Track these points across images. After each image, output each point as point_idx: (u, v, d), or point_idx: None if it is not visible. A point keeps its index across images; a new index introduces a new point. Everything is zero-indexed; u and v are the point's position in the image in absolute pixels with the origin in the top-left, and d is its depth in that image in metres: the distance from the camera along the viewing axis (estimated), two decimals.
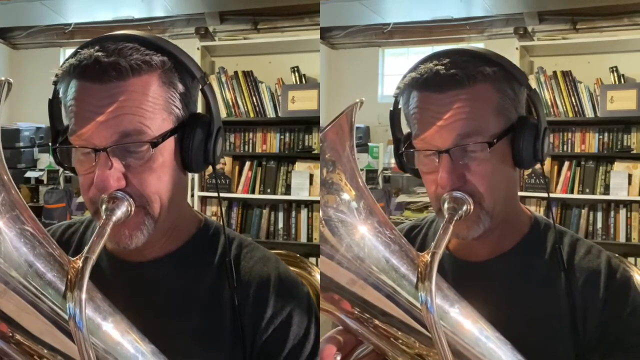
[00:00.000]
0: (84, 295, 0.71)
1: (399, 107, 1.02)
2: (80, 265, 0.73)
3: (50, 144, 1.00)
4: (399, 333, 0.80)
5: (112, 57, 0.87)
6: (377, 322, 0.80)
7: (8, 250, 0.72)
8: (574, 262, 1.01)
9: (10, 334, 0.75)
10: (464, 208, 0.90)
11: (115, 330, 0.80)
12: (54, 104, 0.95)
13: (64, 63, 0.90)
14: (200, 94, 0.97)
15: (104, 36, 0.91)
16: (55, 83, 0.93)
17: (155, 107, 0.89)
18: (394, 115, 1.04)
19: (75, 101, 0.88)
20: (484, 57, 0.96)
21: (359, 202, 0.78)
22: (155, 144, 0.89)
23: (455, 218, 0.87)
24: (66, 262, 0.76)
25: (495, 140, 0.94)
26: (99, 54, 0.87)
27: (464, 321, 0.82)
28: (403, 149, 1.01)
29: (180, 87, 0.93)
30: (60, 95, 0.93)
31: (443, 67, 0.93)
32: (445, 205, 0.90)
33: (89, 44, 0.90)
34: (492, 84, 0.95)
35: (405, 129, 1.03)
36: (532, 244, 1.04)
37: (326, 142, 0.78)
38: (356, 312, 0.80)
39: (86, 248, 0.76)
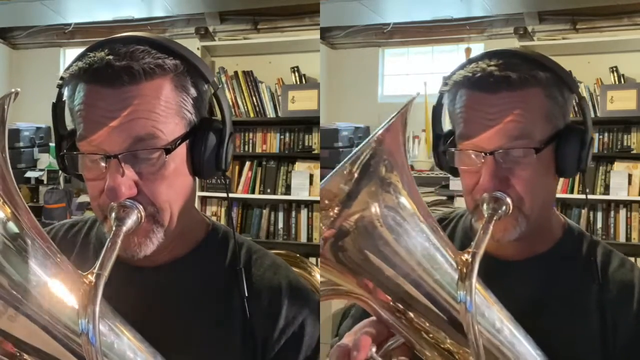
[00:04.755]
0: (97, 311, 0.69)
1: (442, 103, 1.01)
2: (93, 281, 0.72)
3: (50, 144, 0.98)
4: (431, 327, 0.80)
5: (124, 61, 0.84)
6: (411, 315, 0.80)
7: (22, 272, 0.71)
8: (607, 274, 1.00)
9: (18, 354, 0.74)
10: (504, 208, 0.89)
11: (128, 348, 0.79)
12: (58, 108, 0.92)
13: (70, 66, 0.87)
14: (212, 98, 0.95)
15: (112, 38, 0.88)
16: (60, 86, 0.89)
17: (168, 111, 0.87)
18: (437, 112, 1.02)
19: (85, 105, 0.85)
20: (537, 61, 0.95)
21: (412, 203, 0.79)
22: (168, 150, 0.86)
23: (494, 218, 0.87)
24: (77, 278, 0.74)
25: (543, 147, 0.92)
26: (110, 57, 0.84)
27: (500, 323, 0.83)
28: (444, 147, 1.00)
29: (193, 91, 0.90)
30: (65, 98, 0.90)
31: (496, 67, 0.91)
32: (485, 206, 0.89)
33: (97, 46, 0.87)
34: (544, 89, 0.94)
35: (446, 128, 1.03)
36: (564, 250, 1.03)
37: (384, 144, 0.77)
38: (391, 303, 0.80)
39: (98, 262, 0.74)
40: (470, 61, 0.95)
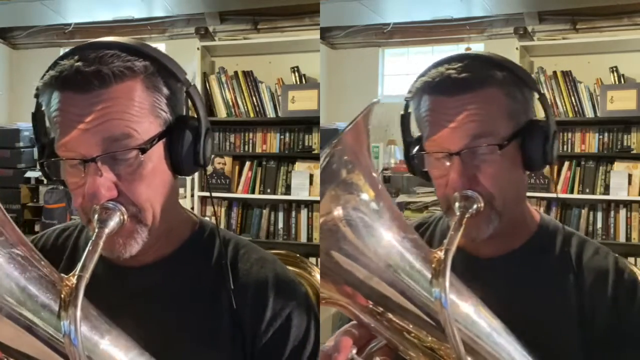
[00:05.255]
0: (78, 312, 0.70)
1: (409, 111, 1.04)
2: (74, 283, 0.73)
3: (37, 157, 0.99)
4: (412, 327, 0.81)
5: (93, 66, 0.86)
6: (390, 316, 0.81)
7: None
8: (582, 263, 1.03)
9: (5, 359, 0.74)
10: (475, 206, 0.92)
11: (113, 348, 0.80)
12: (38, 117, 0.93)
13: (44, 75, 0.89)
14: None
15: (84, 45, 0.90)
16: (37, 96, 0.91)
17: (142, 111, 0.89)
18: (405, 119, 1.06)
19: (60, 112, 0.87)
20: (495, 61, 0.98)
21: (378, 202, 0.80)
22: (144, 149, 0.88)
23: (466, 216, 0.89)
24: (57, 279, 0.76)
25: (505, 143, 0.95)
26: (79, 63, 0.86)
27: (477, 316, 0.84)
28: (414, 152, 1.03)
29: (165, 90, 0.92)
30: (44, 107, 0.92)
31: (454, 71, 0.95)
32: (457, 204, 0.92)
33: (68, 54, 0.89)
34: (502, 88, 0.97)
35: (414, 134, 1.05)
36: (540, 243, 1.06)
37: (344, 145, 0.79)
38: (370, 306, 0.81)
39: (79, 265, 0.75)
40: (431, 67, 0.99)
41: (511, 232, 1.03)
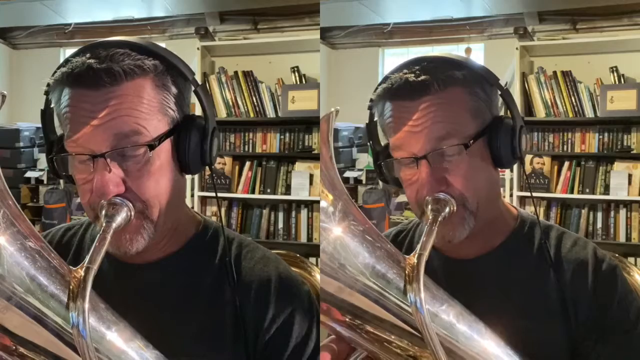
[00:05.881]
0: (86, 304, 0.71)
1: (375, 119, 1.04)
2: (83, 275, 0.74)
3: (45, 153, 1.00)
4: (392, 337, 0.81)
5: (105, 64, 0.88)
6: (368, 327, 0.80)
7: (10, 266, 0.72)
8: (561, 255, 1.03)
9: (14, 347, 0.75)
10: (447, 209, 0.92)
11: (119, 339, 0.80)
12: (47, 114, 0.95)
13: (55, 72, 0.90)
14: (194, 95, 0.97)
15: (95, 43, 0.92)
16: (47, 93, 0.93)
17: (151, 109, 0.90)
18: (371, 128, 1.05)
19: (70, 108, 0.89)
20: (453, 61, 0.98)
21: (336, 207, 0.80)
22: (152, 146, 0.89)
23: (439, 219, 0.89)
24: (67, 272, 0.76)
25: (470, 142, 0.95)
26: (91, 61, 0.87)
27: (455, 319, 0.83)
28: (380, 161, 1.03)
29: (174, 89, 0.94)
30: (53, 104, 0.93)
31: (413, 74, 0.95)
32: (429, 207, 0.91)
33: (79, 51, 0.91)
34: (463, 87, 0.97)
35: (383, 141, 1.05)
36: (519, 239, 1.06)
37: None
38: (347, 320, 0.80)
39: (87, 257, 0.76)
40: (390, 73, 0.98)
41: (489, 230, 1.03)
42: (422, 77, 0.94)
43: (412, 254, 0.79)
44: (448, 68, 0.96)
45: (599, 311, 0.99)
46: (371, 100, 1.01)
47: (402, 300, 0.78)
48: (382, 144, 1.05)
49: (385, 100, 0.99)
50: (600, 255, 1.04)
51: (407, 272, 0.77)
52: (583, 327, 0.99)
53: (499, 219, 1.06)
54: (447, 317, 0.82)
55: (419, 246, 0.80)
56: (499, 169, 1.04)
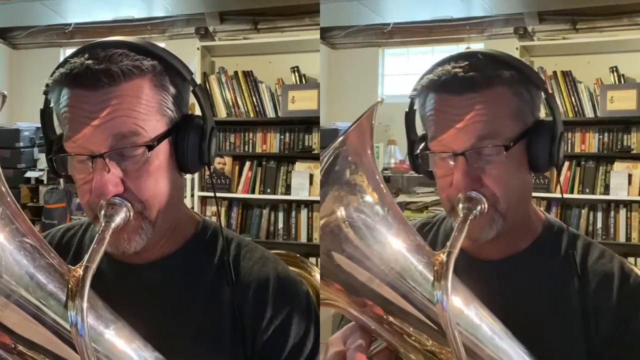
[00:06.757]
0: (85, 303, 0.71)
1: (414, 108, 1.02)
2: (81, 274, 0.74)
3: (45, 153, 1.00)
4: (412, 330, 0.80)
5: (103, 64, 0.88)
6: (391, 319, 0.80)
7: (9, 264, 0.72)
8: (587, 265, 1.02)
9: (13, 345, 0.75)
10: (479, 208, 0.90)
11: (118, 338, 0.80)
12: (46, 114, 0.95)
13: (54, 72, 0.90)
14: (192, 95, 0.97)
15: (93, 44, 0.92)
16: (46, 93, 0.93)
17: (149, 109, 0.90)
18: (409, 117, 1.04)
19: (69, 108, 0.89)
20: (502, 60, 0.96)
21: (381, 204, 0.79)
22: (150, 146, 0.89)
23: (470, 217, 0.88)
24: (66, 271, 0.76)
25: (511, 144, 0.94)
26: (90, 61, 0.88)
27: (478, 320, 0.83)
28: (418, 151, 1.02)
29: (172, 89, 0.94)
30: (52, 104, 0.93)
31: (461, 69, 0.93)
32: (460, 205, 0.90)
33: (78, 52, 0.91)
34: (510, 87, 0.95)
35: (419, 131, 1.04)
36: (545, 245, 1.04)
37: (348, 146, 0.78)
38: (372, 309, 0.80)
39: (86, 256, 0.76)
40: (437, 65, 0.97)
41: (515, 234, 1.02)
42: (471, 73, 0.93)
43: (441, 251, 0.78)
44: (497, 66, 0.95)
45: (622, 326, 0.98)
46: (414, 90, 0.99)
47: (428, 295, 0.77)
48: (419, 134, 1.04)
49: (429, 92, 0.97)
50: (627, 269, 1.02)
51: (435, 268, 0.76)
52: (603, 341, 0.97)
53: (527, 223, 1.05)
54: (470, 317, 0.82)
55: (448, 243, 0.78)
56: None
